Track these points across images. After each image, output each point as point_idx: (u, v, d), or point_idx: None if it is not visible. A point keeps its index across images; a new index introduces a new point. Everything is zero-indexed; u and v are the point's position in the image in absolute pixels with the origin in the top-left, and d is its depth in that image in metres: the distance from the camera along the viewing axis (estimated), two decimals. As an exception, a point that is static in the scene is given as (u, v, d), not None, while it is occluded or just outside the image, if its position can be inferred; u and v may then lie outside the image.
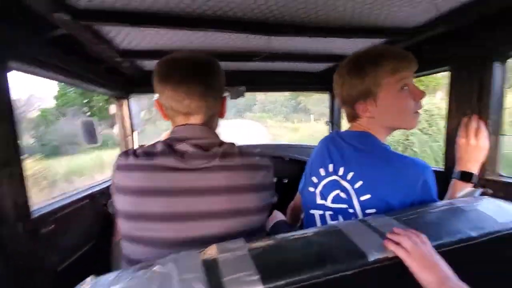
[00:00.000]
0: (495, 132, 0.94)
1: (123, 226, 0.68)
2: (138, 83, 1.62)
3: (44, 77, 0.99)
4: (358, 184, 0.75)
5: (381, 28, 1.08)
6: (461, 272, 0.53)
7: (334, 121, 2.14)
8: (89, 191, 1.18)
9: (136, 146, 1.73)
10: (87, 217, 1.13)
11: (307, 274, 0.49)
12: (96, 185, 1.27)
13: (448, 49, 1.07)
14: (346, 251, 0.54)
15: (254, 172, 0.72)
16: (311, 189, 0.88)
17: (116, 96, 1.60)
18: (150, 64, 1.47)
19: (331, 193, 0.81)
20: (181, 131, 0.73)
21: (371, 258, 0.52)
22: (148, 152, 0.69)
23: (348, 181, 0.77)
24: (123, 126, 1.65)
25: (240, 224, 0.69)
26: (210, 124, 0.76)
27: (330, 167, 0.82)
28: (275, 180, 2.00)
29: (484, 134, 0.86)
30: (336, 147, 0.84)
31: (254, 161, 0.73)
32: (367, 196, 0.74)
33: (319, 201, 0.85)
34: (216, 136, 0.76)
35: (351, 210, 0.76)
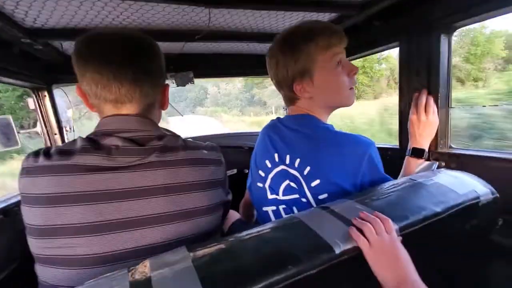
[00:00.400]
0: (445, 106, 0.95)
1: (33, 245, 0.54)
2: (62, 71, 1.36)
3: None
4: (307, 170, 0.70)
5: (329, 1, 1.02)
6: (427, 249, 0.49)
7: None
8: (3, 204, 0.95)
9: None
10: (3, 236, 0.92)
11: (263, 281, 0.40)
12: (13, 197, 1.03)
13: (397, 23, 1.06)
14: (309, 246, 0.47)
15: (200, 167, 0.62)
16: (260, 184, 0.81)
17: (34, 87, 1.32)
18: (71, 47, 1.23)
19: (281, 185, 0.75)
20: (109, 123, 0.60)
21: (338, 250, 0.46)
22: (64, 151, 0.56)
23: (296, 169, 0.72)
24: (47, 122, 1.38)
25: (185, 229, 0.58)
26: (147, 115, 0.64)
27: (276, 157, 0.76)
28: (234, 172, 1.89)
29: (433, 109, 0.88)
30: (278, 134, 0.78)
31: (200, 154, 0.64)
32: (317, 182, 0.69)
33: (270, 196, 0.78)
34: (156, 128, 0.64)
35: (303, 199, 0.71)
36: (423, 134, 0.86)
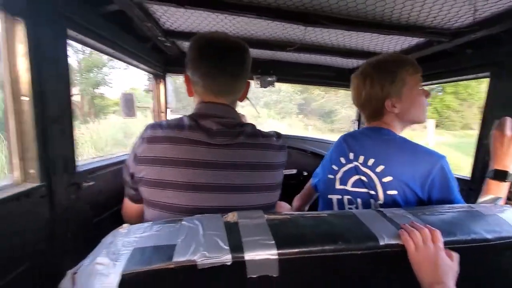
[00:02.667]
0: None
1: (146, 193, 0.72)
2: (175, 63, 1.71)
3: (95, 49, 1.09)
4: (380, 168, 0.82)
5: (421, 27, 1.06)
6: (469, 271, 0.54)
7: (361, 120, 2.12)
8: (122, 158, 1.29)
9: None
10: (119, 180, 1.23)
11: (318, 247, 0.53)
12: (126, 154, 1.38)
13: (489, 54, 1.04)
14: (358, 232, 0.57)
15: (274, 151, 0.77)
16: (331, 176, 0.95)
17: (154, 74, 1.70)
18: (187, 45, 1.54)
19: (351, 178, 0.89)
20: (208, 109, 0.76)
21: (382, 242, 0.55)
22: (175, 125, 0.72)
23: (369, 167, 0.84)
24: (158, 102, 1.76)
25: (257, 199, 0.74)
26: (233, 105, 0.80)
27: (351, 155, 0.90)
28: (294, 172, 2.03)
29: None
30: (356, 139, 0.93)
31: (274, 141, 0.79)
32: (389, 178, 0.80)
33: (338, 186, 0.92)
34: (238, 117, 0.81)
35: (372, 192, 0.83)
36: (508, 152, 0.79)
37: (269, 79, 1.87)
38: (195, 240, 0.52)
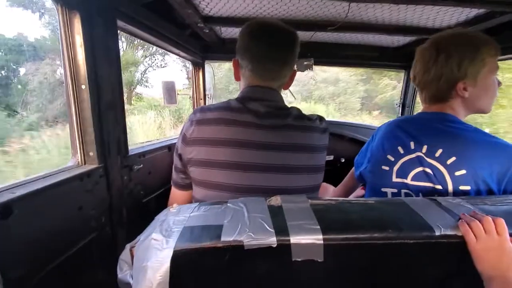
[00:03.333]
0: None
1: (195, 173, 0.77)
2: (213, 50, 1.72)
3: (139, 37, 1.14)
4: (451, 160, 0.73)
5: None
6: None
7: (406, 104, 1.97)
8: (168, 143, 1.35)
9: None
10: (165, 164, 1.31)
11: (366, 234, 0.51)
12: (174, 138, 1.45)
13: None
14: (411, 221, 0.54)
15: (319, 134, 0.78)
16: (385, 167, 0.85)
17: (193, 61, 1.74)
18: (226, 32, 1.54)
19: (413, 171, 0.79)
20: (255, 92, 0.78)
21: (438, 232, 0.52)
22: (224, 108, 0.76)
23: (436, 159, 0.75)
24: (197, 89, 1.81)
25: (304, 180, 0.75)
26: (279, 91, 0.82)
27: (412, 145, 0.80)
28: (331, 158, 1.97)
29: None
30: (416, 126, 0.82)
31: (319, 124, 0.80)
32: (462, 172, 0.72)
33: (395, 179, 0.83)
34: (283, 101, 0.81)
35: (438, 186, 0.74)
36: None
37: (306, 62, 1.80)
38: (241, 222, 0.54)
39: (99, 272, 0.85)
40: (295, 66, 1.79)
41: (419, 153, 0.78)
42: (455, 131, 0.76)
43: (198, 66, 1.77)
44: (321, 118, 0.83)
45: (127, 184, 1.00)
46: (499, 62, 0.80)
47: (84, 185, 0.80)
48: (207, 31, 1.42)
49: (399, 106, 2.02)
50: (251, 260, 0.51)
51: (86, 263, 0.81)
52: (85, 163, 0.84)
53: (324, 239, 0.51)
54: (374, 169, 0.91)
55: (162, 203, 1.05)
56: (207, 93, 1.84)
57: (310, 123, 0.78)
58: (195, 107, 1.85)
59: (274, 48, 0.76)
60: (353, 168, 1.07)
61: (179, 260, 0.49)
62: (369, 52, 1.79)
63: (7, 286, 0.53)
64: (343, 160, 2.00)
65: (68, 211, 0.76)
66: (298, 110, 0.80)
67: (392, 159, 0.84)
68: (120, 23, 0.95)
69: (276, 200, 0.61)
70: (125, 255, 0.59)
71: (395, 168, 0.83)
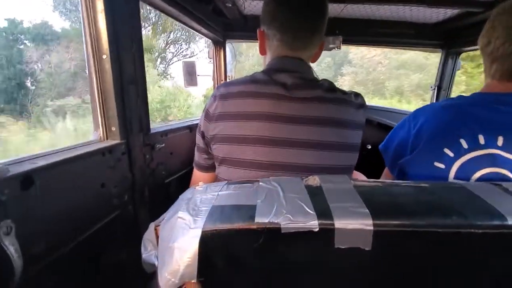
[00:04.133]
0: None
1: (221, 151, 0.73)
2: (235, 29, 1.64)
3: (163, 11, 1.08)
4: None
5: None
6: None
7: (442, 86, 1.81)
8: (189, 123, 1.31)
9: None
10: (187, 145, 1.27)
11: (424, 220, 0.44)
12: (195, 119, 1.41)
13: None
14: (476, 208, 0.46)
15: (353, 109, 0.72)
16: (440, 164, 0.68)
17: (215, 39, 1.67)
18: (249, 7, 1.45)
19: (480, 170, 0.64)
20: (282, 63, 0.73)
21: (511, 221, 0.43)
22: (249, 80, 0.71)
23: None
24: (219, 70, 1.74)
25: (336, 159, 0.68)
26: (308, 62, 0.76)
27: (481, 139, 0.64)
28: None
29: None
30: (488, 112, 0.66)
31: (353, 98, 0.73)
32: None
33: (453, 179, 0.68)
34: (313, 73, 0.75)
35: None
36: None
37: (335, 39, 1.68)
38: (276, 202, 0.48)
39: (121, 251, 0.84)
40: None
41: (492, 150, 0.62)
42: None
43: (219, 45, 1.70)
44: (356, 94, 0.76)
45: (149, 163, 0.97)
46: None
47: (106, 161, 0.77)
48: (230, 5, 1.33)
49: (434, 89, 1.86)
50: (287, 244, 0.46)
51: (108, 241, 0.79)
52: (107, 138, 0.81)
53: (374, 225, 0.44)
54: (422, 164, 0.73)
55: (184, 184, 1.01)
56: (228, 74, 1.77)
57: (344, 96, 0.71)
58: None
59: (304, 14, 0.70)
60: (387, 162, 0.88)
61: (209, 241, 0.44)
62: (404, 29, 1.64)
63: (26, 260, 0.51)
64: (369, 147, 1.89)
65: (90, 187, 0.73)
66: (330, 82, 0.73)
67: (451, 154, 0.67)
68: None
69: (314, 180, 0.54)
70: (149, 234, 0.55)
71: (455, 167, 0.66)
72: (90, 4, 0.71)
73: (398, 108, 2.09)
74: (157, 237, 0.53)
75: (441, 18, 1.50)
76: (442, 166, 0.67)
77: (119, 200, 0.83)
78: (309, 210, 0.45)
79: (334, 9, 1.42)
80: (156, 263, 0.51)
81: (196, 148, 0.82)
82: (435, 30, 1.60)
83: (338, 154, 0.69)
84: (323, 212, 0.45)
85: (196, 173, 0.86)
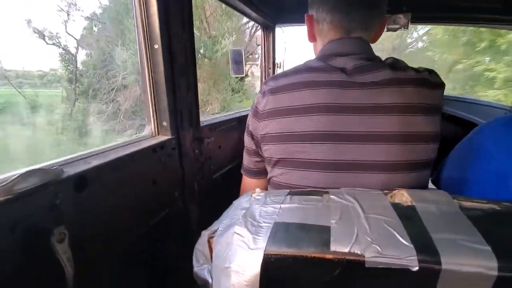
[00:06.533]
0: None
1: (275, 151, 0.65)
2: (287, 12, 1.51)
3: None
4: None
5: None
6: None
7: None
8: (238, 115, 1.25)
9: None
10: (235, 138, 1.21)
11: None
12: (244, 110, 1.35)
13: None
14: None
15: (430, 89, 0.58)
16: None
17: (264, 23, 1.56)
18: None
19: None
20: (339, 46, 0.64)
21: None
22: (301, 69, 0.62)
23: None
24: (267, 57, 1.64)
25: (413, 153, 0.56)
26: (368, 43, 0.66)
27: None
28: None
29: None
30: None
31: (428, 76, 0.59)
32: None
33: None
34: (375, 54, 0.64)
35: None
36: None
37: (401, 18, 1.45)
38: (356, 225, 0.38)
39: (173, 251, 0.82)
40: (385, 25, 1.48)
41: None
42: None
43: (269, 30, 1.58)
44: (430, 71, 0.62)
45: (198, 158, 0.93)
46: None
47: (157, 158, 0.74)
48: None
49: None
50: (371, 282, 0.36)
51: (160, 241, 0.77)
52: (158, 134, 0.78)
53: (499, 269, 0.32)
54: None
55: (232, 179, 0.96)
56: (276, 62, 1.66)
57: (418, 75, 0.58)
58: (264, 76, 1.69)
59: None
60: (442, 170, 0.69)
61: (272, 267, 0.37)
62: (489, 2, 1.34)
63: (77, 262, 0.49)
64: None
65: (142, 184, 0.71)
66: (398, 60, 0.62)
67: None
68: None
69: (402, 196, 0.43)
70: (202, 244, 0.50)
71: None
72: None
73: (471, 97, 1.78)
74: (211, 250, 0.47)
75: None
76: None
77: (170, 197, 0.81)
78: (403, 241, 0.35)
79: None
80: (209, 280, 0.46)
81: (245, 151, 0.75)
82: None
83: (418, 147, 0.57)
84: (424, 245, 0.34)
85: (246, 180, 0.79)
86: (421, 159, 0.57)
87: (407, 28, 1.48)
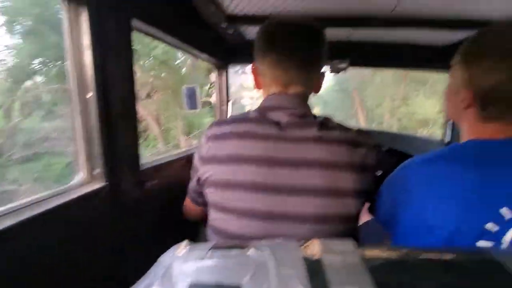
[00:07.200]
0: None
1: (213, 195, 0.67)
2: (238, 53, 1.61)
3: (159, 39, 1.04)
4: None
5: None
6: None
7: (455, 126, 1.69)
8: (186, 154, 1.25)
9: (229, 115, 1.77)
10: (183, 178, 1.19)
11: None
12: (192, 149, 1.35)
13: None
14: None
15: (354, 148, 0.64)
16: (485, 243, 0.52)
17: (217, 64, 1.63)
18: (251, 32, 1.42)
19: None
20: (276, 100, 0.68)
21: None
22: (241, 119, 0.67)
23: None
24: (221, 94, 1.70)
25: (335, 206, 0.61)
26: (305, 97, 0.71)
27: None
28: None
29: None
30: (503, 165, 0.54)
31: (354, 136, 0.65)
32: None
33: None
34: (310, 109, 0.70)
35: None
36: None
37: (342, 63, 1.62)
38: (266, 282, 0.39)
39: None
40: (328, 68, 1.64)
41: None
42: None
43: (222, 69, 1.66)
44: (360, 131, 0.69)
45: (138, 203, 0.90)
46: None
47: (89, 207, 0.70)
48: (231, 32, 1.30)
49: (447, 125, 1.72)
50: None
51: None
52: (91, 181, 0.75)
53: None
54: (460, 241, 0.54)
55: (179, 221, 0.93)
56: (229, 98, 1.73)
57: (344, 135, 0.64)
58: (218, 113, 1.74)
59: (295, 49, 0.66)
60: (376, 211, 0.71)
61: None
62: (417, 51, 1.57)
63: None
64: (379, 173, 1.78)
65: (70, 240, 0.66)
66: (329, 119, 0.67)
67: (496, 228, 0.51)
68: (136, 22, 0.85)
69: (313, 248, 0.45)
70: None
71: (505, 240, 0.51)
72: (76, 39, 0.67)
73: (406, 132, 1.99)
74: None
75: (455, 39, 1.43)
76: (487, 244, 0.52)
77: (105, 249, 0.75)
78: None
79: (341, 34, 1.38)
80: None
81: (190, 181, 0.77)
82: (450, 52, 1.52)
83: (340, 201, 0.62)
84: None
85: (189, 204, 0.82)
86: (344, 213, 0.62)
87: (345, 71, 1.66)
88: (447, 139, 1.73)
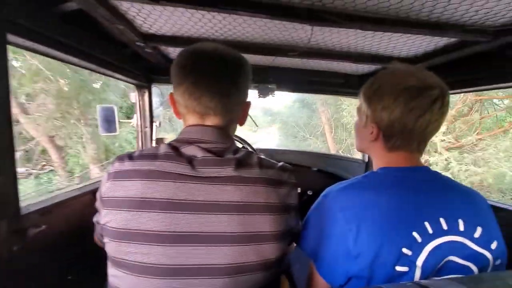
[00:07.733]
0: None
1: (110, 247, 0.55)
2: (161, 72, 1.50)
3: (53, 57, 0.88)
4: (494, 244, 0.57)
5: (455, 24, 0.86)
6: None
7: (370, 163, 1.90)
8: (91, 187, 1.07)
9: (154, 138, 1.63)
10: (86, 216, 1.01)
11: None
12: (98, 181, 1.17)
13: None
14: None
15: (274, 188, 0.59)
16: (401, 268, 0.54)
17: (137, 84, 1.49)
18: (174, 52, 1.34)
19: (442, 261, 0.55)
20: (192, 132, 0.61)
21: None
22: (148, 155, 0.57)
23: (477, 242, 0.55)
24: (142, 116, 1.55)
25: (253, 253, 0.55)
26: (227, 129, 0.65)
27: (443, 223, 0.56)
28: (299, 191, 1.81)
29: None
30: (436, 191, 0.60)
31: (274, 175, 0.60)
32: (495, 244, 0.57)
33: (418, 279, 0.54)
34: (232, 142, 0.64)
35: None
36: None
37: (269, 87, 1.67)
38: None
39: None
40: (257, 93, 1.66)
41: (456, 237, 0.55)
42: (452, 189, 0.62)
43: (143, 89, 1.52)
44: (284, 168, 0.63)
45: (18, 256, 0.71)
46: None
47: None
48: (150, 50, 1.20)
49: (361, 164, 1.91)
50: None
51: None
52: None
53: None
54: (380, 265, 0.55)
55: (81, 277, 0.76)
56: (154, 120, 1.59)
57: (261, 174, 0.58)
58: (140, 137, 1.58)
59: (211, 78, 0.59)
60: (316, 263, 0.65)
61: None
62: (334, 78, 1.71)
63: None
64: (310, 193, 1.85)
65: None
66: (249, 154, 0.62)
67: (410, 253, 0.54)
68: (13, 38, 0.69)
69: None
70: None
71: (419, 263, 0.54)
72: None
73: (334, 153, 2.16)
74: None
75: (367, 71, 1.60)
76: (403, 269, 0.54)
77: None
78: None
79: (266, 60, 1.41)
80: None
81: (96, 219, 0.64)
82: (363, 80, 1.70)
83: (258, 247, 0.55)
84: None
85: (99, 242, 0.68)
86: (264, 261, 0.56)
87: (274, 95, 1.71)
88: (366, 159, 1.91)
